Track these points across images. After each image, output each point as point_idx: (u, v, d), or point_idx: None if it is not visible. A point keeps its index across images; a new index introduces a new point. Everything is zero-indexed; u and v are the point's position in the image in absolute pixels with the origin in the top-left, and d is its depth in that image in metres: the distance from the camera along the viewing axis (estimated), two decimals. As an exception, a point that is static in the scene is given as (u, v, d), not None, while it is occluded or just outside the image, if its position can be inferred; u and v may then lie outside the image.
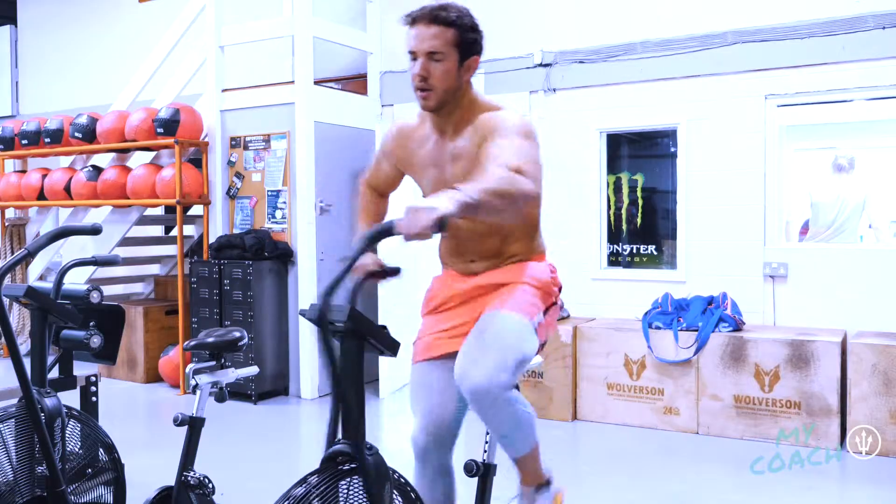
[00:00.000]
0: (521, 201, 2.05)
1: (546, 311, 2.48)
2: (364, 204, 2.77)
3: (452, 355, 2.38)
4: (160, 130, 6.44)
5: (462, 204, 1.87)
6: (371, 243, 1.90)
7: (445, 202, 1.84)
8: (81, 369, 3.65)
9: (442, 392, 2.44)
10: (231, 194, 6.59)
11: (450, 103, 2.37)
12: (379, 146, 2.71)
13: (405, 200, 1.97)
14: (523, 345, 2.31)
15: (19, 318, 7.65)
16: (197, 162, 6.70)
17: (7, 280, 3.28)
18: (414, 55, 2.35)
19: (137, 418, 6.03)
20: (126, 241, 7.36)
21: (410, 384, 2.57)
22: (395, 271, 2.38)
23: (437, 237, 2.60)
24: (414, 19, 2.33)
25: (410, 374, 2.57)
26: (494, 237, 2.48)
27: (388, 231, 1.87)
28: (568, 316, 5.75)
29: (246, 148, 6.52)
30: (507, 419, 2.27)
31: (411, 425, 2.54)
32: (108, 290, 7.27)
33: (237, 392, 6.02)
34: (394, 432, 5.29)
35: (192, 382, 2.73)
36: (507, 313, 2.34)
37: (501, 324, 2.31)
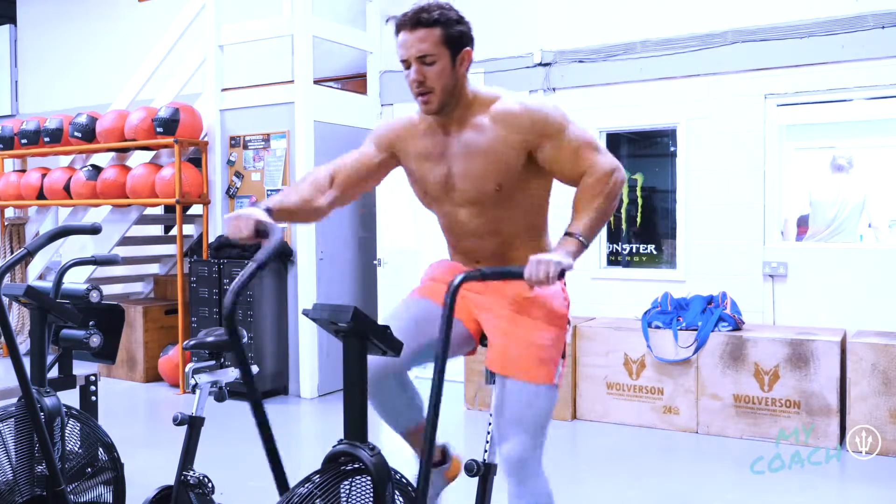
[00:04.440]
0: (621, 187, 2.33)
1: (563, 353, 2.49)
2: (301, 181, 2.46)
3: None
4: (160, 130, 6.44)
5: (581, 250, 2.22)
6: (498, 278, 2.32)
7: (566, 257, 2.16)
8: (81, 369, 3.65)
9: (416, 325, 2.45)
10: (231, 194, 6.59)
11: (451, 101, 2.36)
12: (372, 133, 2.60)
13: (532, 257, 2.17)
14: (550, 411, 2.45)
15: (19, 317, 7.64)
16: (196, 161, 6.70)
17: (7, 279, 3.28)
18: (406, 63, 2.33)
19: (137, 418, 6.03)
20: (125, 241, 7.36)
21: (396, 306, 2.58)
22: (265, 233, 2.17)
23: (443, 237, 2.62)
24: (398, 27, 2.32)
25: (401, 300, 2.59)
26: (496, 238, 2.46)
27: (517, 275, 2.21)
28: (567, 315, 5.75)
29: (245, 147, 6.52)
30: (533, 483, 2.42)
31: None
32: (108, 289, 7.27)
33: (237, 391, 5.99)
34: (394, 432, 5.28)
35: (192, 382, 2.73)
36: (535, 385, 2.38)
37: (532, 400, 2.39)
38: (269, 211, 2.27)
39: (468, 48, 2.36)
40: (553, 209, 2.57)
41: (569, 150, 2.33)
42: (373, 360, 2.23)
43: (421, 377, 2.67)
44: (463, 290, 2.47)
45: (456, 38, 2.32)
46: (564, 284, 2.57)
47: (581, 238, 2.22)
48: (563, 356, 2.48)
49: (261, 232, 2.19)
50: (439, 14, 2.29)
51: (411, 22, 2.29)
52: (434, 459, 2.54)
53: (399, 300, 2.65)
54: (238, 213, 2.22)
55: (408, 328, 2.42)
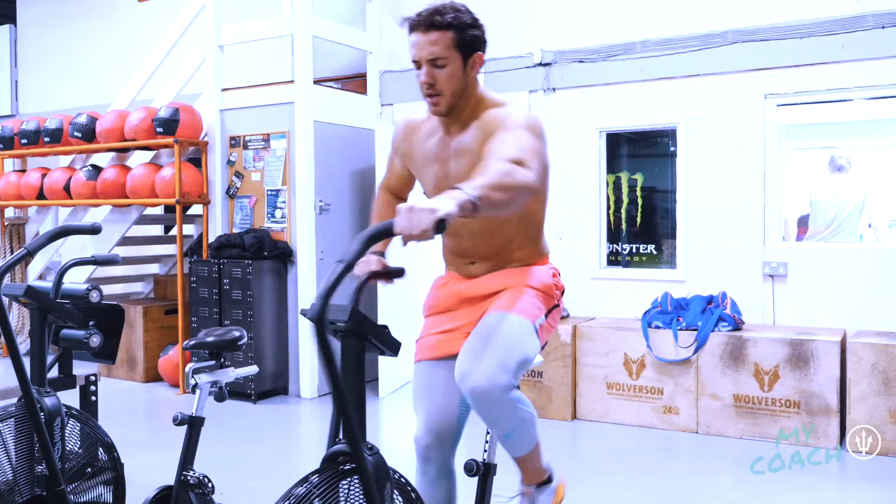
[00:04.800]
0: (523, 193, 2.03)
1: (548, 314, 2.48)
2: (378, 207, 2.72)
3: (453, 356, 2.38)
4: (160, 130, 6.44)
5: (463, 203, 1.84)
6: (369, 244, 1.84)
7: (445, 202, 1.81)
8: (81, 369, 3.65)
9: (444, 392, 2.44)
10: (230, 194, 6.59)
11: (459, 104, 2.37)
12: (391, 144, 2.68)
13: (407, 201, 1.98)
14: (524, 346, 2.31)
15: (19, 317, 7.64)
16: (196, 161, 6.70)
17: (6, 279, 3.28)
18: (417, 63, 2.34)
19: (137, 418, 6.03)
20: (125, 241, 7.36)
21: (413, 383, 2.57)
22: (399, 272, 2.30)
23: (440, 238, 2.62)
24: (412, 27, 2.31)
25: (413, 374, 2.57)
26: (494, 239, 2.47)
27: (386, 232, 1.83)
28: (567, 315, 5.75)
29: (245, 147, 6.52)
30: (508, 419, 2.28)
31: (414, 425, 2.54)
32: (108, 289, 7.27)
33: (237, 391, 6.02)
34: (394, 432, 5.30)
35: (192, 382, 2.73)
36: (509, 315, 2.34)
37: (503, 325, 2.32)
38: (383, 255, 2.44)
39: (480, 52, 2.36)
40: (550, 211, 2.57)
41: (508, 137, 2.19)
42: (419, 442, 2.40)
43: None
44: (473, 294, 2.48)
45: (468, 41, 2.32)
46: (558, 273, 2.57)
47: (468, 191, 1.89)
48: (547, 316, 2.47)
49: (391, 274, 2.32)
50: (453, 17, 2.28)
51: (425, 23, 2.28)
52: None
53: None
54: (365, 259, 2.31)
55: (436, 404, 2.45)
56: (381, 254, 2.45)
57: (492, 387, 2.20)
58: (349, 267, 1.80)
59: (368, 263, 2.32)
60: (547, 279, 2.50)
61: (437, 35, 2.27)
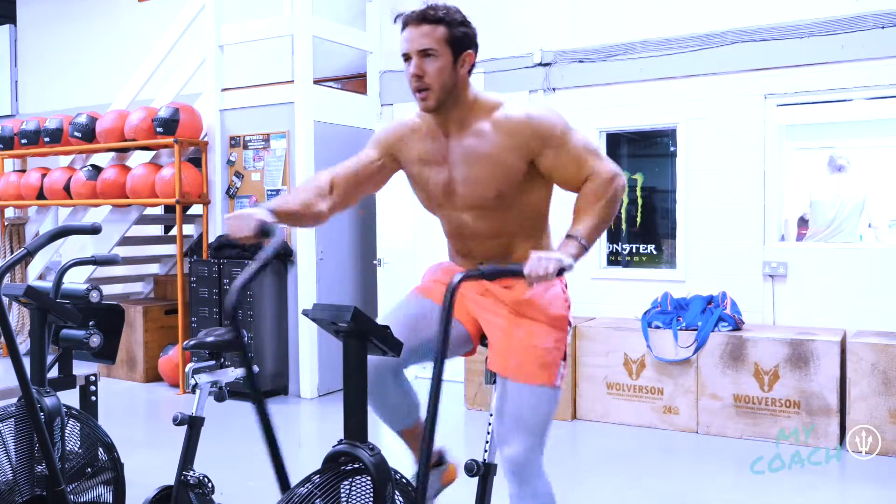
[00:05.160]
0: (621, 193, 2.37)
1: (564, 355, 2.48)
2: (303, 185, 2.47)
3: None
4: (160, 130, 6.44)
5: (582, 252, 2.27)
6: (496, 277, 2.29)
7: (567, 258, 2.18)
8: (81, 369, 3.65)
9: (415, 323, 2.46)
10: (230, 194, 6.59)
11: (448, 101, 2.36)
12: (373, 137, 2.64)
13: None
14: (552, 414, 2.45)
15: (19, 317, 7.64)
16: (196, 161, 6.70)
17: (6, 279, 3.28)
18: (407, 57, 2.35)
19: (137, 418, 6.03)
20: (125, 241, 7.36)
21: (396, 303, 2.60)
22: (267, 233, 2.20)
23: (442, 238, 2.62)
24: (405, 23, 2.35)
25: (402, 299, 2.60)
26: (498, 239, 2.47)
27: (517, 273, 2.20)
28: (567, 315, 5.75)
29: (245, 147, 6.52)
30: (534, 486, 2.43)
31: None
32: (108, 289, 7.27)
33: (237, 391, 6.01)
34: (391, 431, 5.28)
35: (192, 382, 2.73)
36: (537, 387, 2.38)
37: (539, 403, 2.40)
38: (270, 212, 2.27)
39: (470, 51, 2.37)
40: (553, 211, 2.57)
41: (570, 157, 2.35)
42: (370, 358, 2.23)
43: (421, 377, 2.67)
44: (462, 290, 2.48)
45: (459, 38, 2.33)
46: (565, 287, 2.57)
47: (582, 241, 2.26)
48: (565, 358, 2.48)
49: (263, 232, 2.20)
50: (445, 13, 2.32)
51: (417, 17, 2.32)
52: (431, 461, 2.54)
53: (399, 298, 2.65)
54: (240, 212, 2.23)
55: (406, 325, 2.43)
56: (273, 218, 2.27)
57: (528, 460, 2.39)
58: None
59: (240, 226, 2.21)
60: (561, 309, 2.48)
61: (429, 28, 2.31)
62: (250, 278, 2.03)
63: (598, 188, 2.32)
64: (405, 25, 2.35)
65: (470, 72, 2.40)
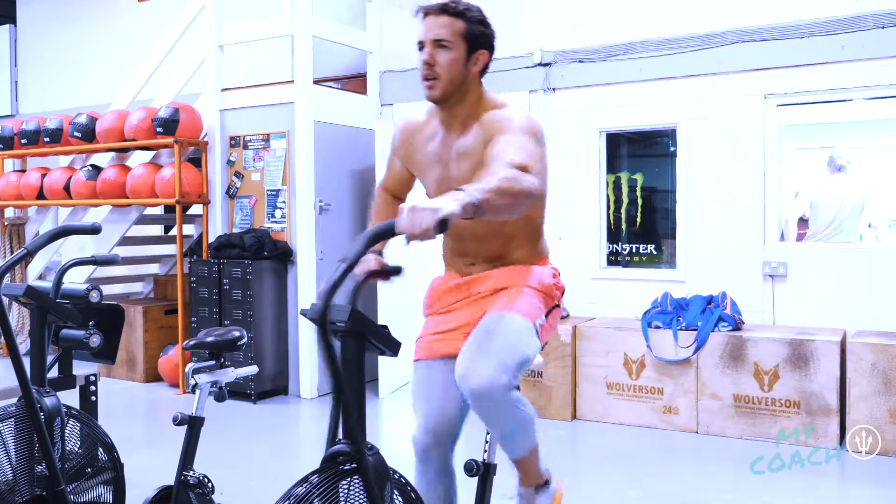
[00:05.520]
0: (526, 199, 2.04)
1: (548, 314, 2.48)
2: (377, 207, 2.74)
3: (453, 356, 2.38)
4: (160, 130, 6.44)
5: (465, 205, 1.86)
6: (371, 243, 1.86)
7: (448, 203, 1.83)
8: (81, 368, 3.65)
9: (443, 392, 2.44)
10: (230, 194, 6.59)
11: (455, 96, 2.37)
12: (391, 145, 2.69)
13: (409, 201, 1.99)
14: (524, 346, 2.31)
15: (19, 317, 7.64)
16: (196, 161, 6.70)
17: (6, 279, 3.28)
18: (422, 45, 2.37)
19: (137, 418, 6.03)
20: (125, 241, 7.35)
21: (412, 383, 2.57)
22: (396, 270, 2.31)
23: (440, 238, 2.62)
24: (426, 12, 2.37)
25: (413, 373, 2.57)
26: (496, 240, 2.47)
27: (388, 231, 1.85)
28: (567, 315, 5.75)
29: (245, 147, 6.52)
30: (507, 420, 2.28)
31: (413, 425, 2.54)
32: (108, 289, 7.27)
33: (237, 391, 6.02)
34: (394, 432, 5.29)
35: (192, 382, 2.73)
36: (509, 315, 2.35)
37: (503, 325, 2.32)
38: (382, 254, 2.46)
39: (485, 51, 2.40)
40: (550, 210, 2.57)
41: (511, 141, 2.20)
42: (418, 442, 2.40)
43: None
44: (473, 294, 2.48)
45: (475, 35, 2.36)
46: (557, 273, 2.57)
47: (469, 192, 1.90)
48: (547, 317, 2.47)
49: (391, 272, 2.33)
50: (465, 8, 2.35)
51: (439, 8, 2.35)
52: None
53: (411, 375, 2.60)
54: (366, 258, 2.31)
55: (435, 404, 2.45)
56: (380, 253, 2.46)
57: (492, 386, 2.19)
58: (351, 266, 1.81)
59: (366, 262, 2.32)
60: (547, 279, 2.50)
61: (448, 20, 2.33)
62: (356, 293, 2.11)
63: (516, 174, 2.04)
64: (425, 16, 2.37)
65: (483, 73, 2.42)
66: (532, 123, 2.32)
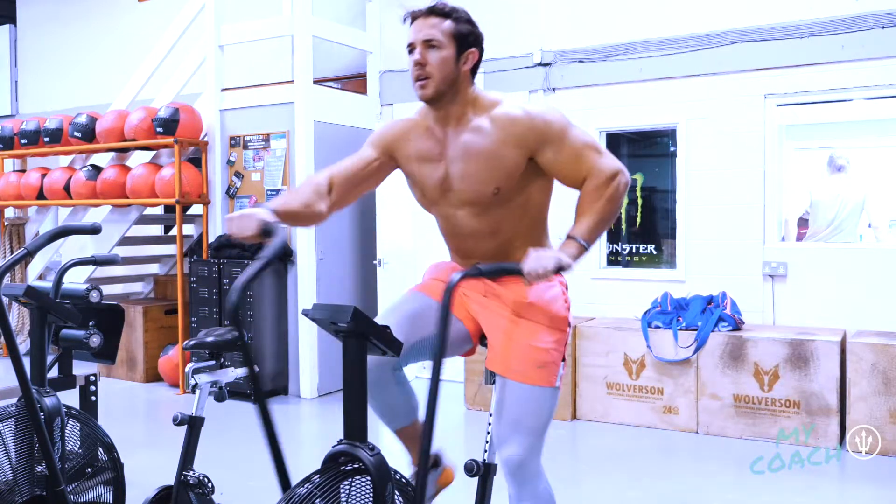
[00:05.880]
0: (625, 189, 2.35)
1: (563, 357, 2.48)
2: (301, 186, 2.47)
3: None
4: (160, 130, 6.44)
5: (582, 252, 2.25)
6: (497, 275, 2.33)
7: (566, 257, 2.18)
8: (81, 369, 3.65)
9: (416, 320, 2.45)
10: (230, 194, 6.59)
11: (448, 95, 2.38)
12: (372, 136, 2.62)
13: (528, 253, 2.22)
14: (551, 415, 2.45)
15: (19, 317, 7.64)
16: (196, 161, 6.70)
17: (6, 279, 3.28)
18: (412, 47, 2.40)
19: (137, 418, 6.03)
20: (125, 241, 7.36)
21: (394, 301, 2.59)
22: (270, 232, 2.20)
23: (440, 238, 2.62)
24: (414, 16, 2.41)
25: (401, 296, 2.60)
26: (498, 238, 2.46)
27: (516, 271, 2.21)
28: (567, 315, 5.74)
29: (245, 147, 6.52)
30: (532, 486, 2.43)
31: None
32: (108, 289, 7.27)
33: (237, 391, 6.02)
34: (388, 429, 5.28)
35: (192, 382, 2.73)
36: (536, 388, 2.37)
37: (535, 405, 2.38)
38: (272, 212, 2.28)
39: (474, 49, 2.41)
40: (553, 209, 2.57)
41: (570, 154, 2.35)
42: (370, 357, 2.22)
43: (421, 377, 2.67)
44: (463, 289, 2.48)
45: (464, 34, 2.39)
46: (566, 288, 2.57)
47: (581, 241, 2.26)
48: (564, 359, 2.48)
49: (265, 231, 2.20)
50: (452, 9, 2.39)
51: (426, 11, 2.39)
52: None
53: (398, 295, 2.64)
54: (241, 212, 2.25)
55: (405, 323, 2.43)
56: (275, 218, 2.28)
57: (528, 459, 2.39)
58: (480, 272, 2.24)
59: (243, 226, 2.22)
60: (561, 310, 2.47)
61: (436, 20, 2.37)
62: (252, 277, 2.03)
63: (599, 186, 2.32)
64: (414, 19, 2.41)
65: (474, 72, 2.43)
66: (554, 113, 2.39)
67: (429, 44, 2.36)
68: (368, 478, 2.06)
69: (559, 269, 2.16)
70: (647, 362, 5.24)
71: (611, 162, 2.35)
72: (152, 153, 6.98)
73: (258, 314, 6.07)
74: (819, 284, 5.34)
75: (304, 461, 4.05)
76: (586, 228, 2.28)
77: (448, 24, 2.36)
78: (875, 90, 5.26)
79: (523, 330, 2.41)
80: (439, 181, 2.44)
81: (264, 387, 6.12)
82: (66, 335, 3.30)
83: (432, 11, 2.38)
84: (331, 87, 7.09)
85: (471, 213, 2.44)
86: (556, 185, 2.49)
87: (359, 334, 2.04)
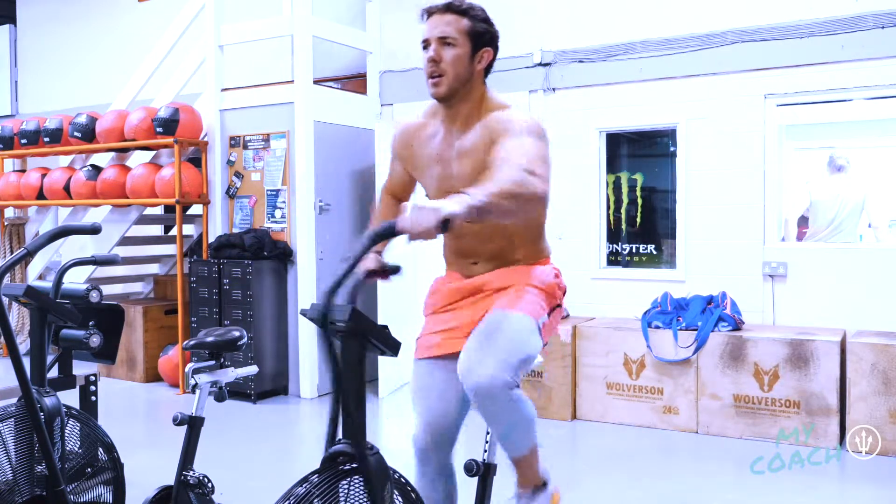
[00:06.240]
0: (531, 202, 2.06)
1: (550, 313, 2.48)
2: (380, 208, 2.76)
3: (454, 355, 2.38)
4: (159, 130, 6.44)
5: (469, 207, 1.89)
6: (374, 242, 1.90)
7: (451, 204, 1.87)
8: (81, 369, 3.65)
9: (443, 392, 2.45)
10: (230, 194, 6.59)
11: (460, 93, 2.38)
12: (391, 148, 2.70)
13: (411, 201, 1.99)
14: (527, 344, 2.31)
15: (19, 317, 7.64)
16: (196, 161, 6.70)
17: (6, 279, 3.28)
18: (427, 43, 2.39)
19: (137, 418, 6.03)
20: (125, 241, 7.35)
21: (412, 382, 2.57)
22: (395, 269, 2.36)
23: (441, 238, 2.62)
24: (430, 12, 2.40)
25: (413, 372, 2.57)
26: (498, 240, 2.48)
27: (390, 230, 1.87)
28: (567, 315, 5.75)
29: (245, 147, 6.52)
30: (508, 418, 2.28)
31: (412, 424, 2.54)
32: (108, 289, 7.27)
33: (237, 391, 6.02)
34: (394, 432, 5.29)
35: (192, 382, 2.73)
36: (512, 313, 2.35)
37: (506, 323, 2.32)
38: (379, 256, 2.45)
39: (489, 48, 2.42)
40: (553, 210, 2.57)
41: (516, 144, 2.21)
42: (417, 441, 2.40)
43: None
44: (474, 293, 2.49)
45: (480, 33, 2.39)
46: (559, 273, 2.57)
47: (471, 195, 1.93)
48: (550, 314, 2.48)
49: (392, 269, 2.37)
50: (469, 7, 2.39)
51: (443, 7, 2.38)
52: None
53: (410, 372, 2.61)
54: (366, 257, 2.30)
55: (435, 404, 2.46)
56: (380, 252, 2.46)
57: (494, 384, 2.20)
58: (353, 265, 1.83)
59: (366, 261, 2.33)
60: (549, 278, 2.51)
61: (452, 17, 2.36)
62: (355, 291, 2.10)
63: (522, 177, 2.05)
64: (429, 15, 2.39)
65: (488, 71, 2.43)
66: (535, 124, 2.32)
67: (444, 41, 2.35)
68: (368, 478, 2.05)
69: (444, 225, 1.83)
70: (647, 362, 5.24)
71: (540, 179, 2.10)
72: (152, 153, 6.98)
73: (258, 314, 6.07)
74: (819, 284, 5.34)
75: (304, 461, 4.04)
76: (485, 190, 1.96)
77: (465, 21, 2.36)
78: (875, 90, 5.26)
79: (505, 292, 2.44)
80: (441, 181, 2.46)
81: (264, 386, 6.12)
82: (66, 335, 3.30)
83: (449, 8, 2.36)
84: (331, 87, 7.09)
85: None
86: (554, 184, 2.49)
87: (357, 334, 2.04)
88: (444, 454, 2.49)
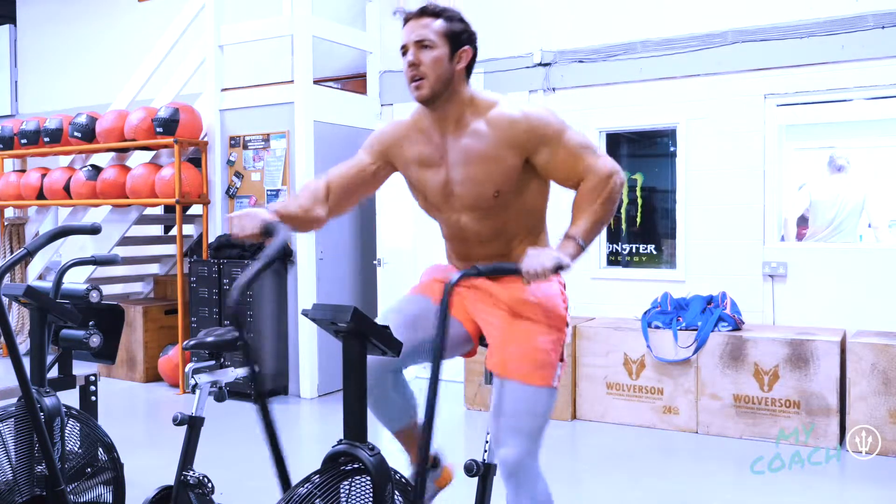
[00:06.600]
0: (621, 189, 2.37)
1: (561, 356, 2.48)
2: (300, 192, 2.53)
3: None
4: (159, 130, 6.44)
5: (580, 252, 2.26)
6: (489, 275, 2.33)
7: (565, 257, 2.19)
8: (81, 369, 3.65)
9: (415, 321, 2.46)
10: (230, 194, 6.59)
11: (443, 95, 2.37)
12: (368, 140, 2.62)
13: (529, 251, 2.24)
14: (549, 413, 2.44)
15: (19, 317, 7.64)
16: (196, 161, 6.70)
17: (6, 279, 3.28)
18: (405, 49, 2.39)
19: (137, 418, 6.03)
20: (125, 241, 7.36)
21: (393, 303, 2.60)
22: (270, 231, 2.24)
23: (441, 240, 2.62)
24: (406, 19, 2.41)
25: (401, 297, 2.60)
26: (499, 240, 2.46)
27: (513, 271, 2.23)
28: (567, 315, 5.74)
29: (245, 147, 6.52)
30: (530, 487, 2.42)
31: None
32: (108, 289, 7.27)
33: (237, 391, 6.02)
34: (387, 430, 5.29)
35: (192, 382, 2.73)
36: (534, 388, 2.37)
37: (532, 405, 2.38)
38: (273, 213, 2.33)
39: (468, 48, 2.40)
40: (552, 210, 2.57)
41: (566, 155, 2.36)
42: (369, 358, 2.22)
43: (421, 377, 2.67)
44: (461, 290, 2.48)
45: (457, 32, 2.38)
46: (564, 287, 2.56)
47: (580, 241, 2.27)
48: (562, 359, 2.48)
49: (266, 231, 2.23)
50: (443, 8, 2.39)
51: (418, 12, 2.39)
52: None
53: (398, 298, 2.64)
54: (243, 211, 2.29)
55: (405, 325, 2.43)
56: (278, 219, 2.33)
57: (525, 461, 2.38)
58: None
59: (244, 226, 2.26)
60: (559, 309, 2.46)
61: (428, 20, 2.37)
62: (254, 277, 2.04)
63: (595, 186, 2.33)
64: (406, 22, 2.40)
65: (469, 71, 2.41)
66: (549, 114, 2.41)
67: (421, 44, 2.35)
68: (368, 478, 2.06)
69: (558, 269, 2.16)
70: (647, 362, 5.24)
71: (606, 163, 2.36)
72: (152, 153, 6.98)
73: (258, 314, 6.07)
74: (819, 284, 5.34)
75: (304, 461, 4.05)
76: (584, 229, 2.29)
77: (440, 23, 2.36)
78: (875, 90, 5.26)
79: (521, 329, 2.40)
80: (441, 186, 2.44)
81: (264, 387, 6.11)
82: (66, 335, 3.30)
83: (423, 12, 2.37)
84: (331, 87, 7.09)
85: (473, 216, 2.44)
86: (554, 185, 2.49)
87: (359, 334, 2.04)
88: (396, 372, 2.52)
